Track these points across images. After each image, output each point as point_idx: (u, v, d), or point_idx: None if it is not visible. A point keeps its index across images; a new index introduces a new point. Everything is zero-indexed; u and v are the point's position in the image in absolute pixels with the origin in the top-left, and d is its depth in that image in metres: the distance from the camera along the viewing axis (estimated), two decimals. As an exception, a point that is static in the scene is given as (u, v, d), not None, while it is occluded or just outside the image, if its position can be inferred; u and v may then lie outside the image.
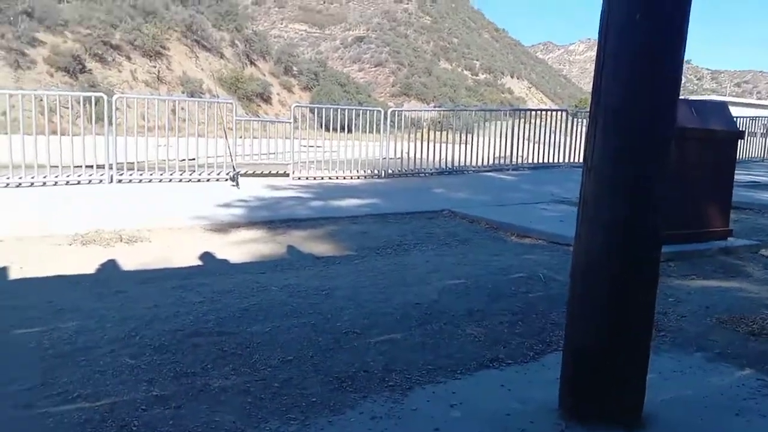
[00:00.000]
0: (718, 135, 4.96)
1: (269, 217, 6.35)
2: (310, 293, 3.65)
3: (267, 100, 44.83)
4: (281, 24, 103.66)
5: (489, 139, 12.35)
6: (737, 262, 4.77)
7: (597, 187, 2.12)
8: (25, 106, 8.93)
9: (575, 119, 13.31)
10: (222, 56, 44.19)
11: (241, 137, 10.65)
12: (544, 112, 13.92)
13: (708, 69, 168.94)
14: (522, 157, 12.52)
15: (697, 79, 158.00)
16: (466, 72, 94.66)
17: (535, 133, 12.89)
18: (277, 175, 10.49)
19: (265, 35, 59.20)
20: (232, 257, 4.83)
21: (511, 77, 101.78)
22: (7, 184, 7.83)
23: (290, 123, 10.54)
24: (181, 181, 9.12)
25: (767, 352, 2.88)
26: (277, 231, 5.82)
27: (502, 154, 12.37)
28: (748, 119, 17.13)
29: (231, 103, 10.79)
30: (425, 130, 12.52)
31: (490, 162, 12.24)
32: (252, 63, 48.20)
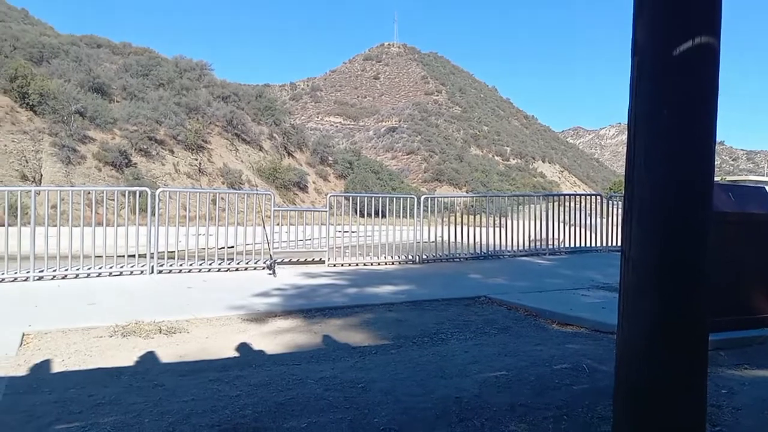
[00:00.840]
0: (759, 218, 4.86)
1: (305, 306, 6.36)
2: (346, 386, 3.58)
3: (303, 188, 46.03)
4: (317, 117, 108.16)
5: (524, 223, 12.33)
6: (794, 351, 4.53)
7: (636, 277, 2.08)
8: (74, 199, 9.37)
9: (610, 202, 13.25)
10: (261, 148, 46.04)
11: (278, 224, 10.88)
12: (578, 196, 13.90)
13: (743, 150, 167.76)
14: (558, 240, 12.41)
15: (732, 160, 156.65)
16: (497, 158, 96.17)
17: (570, 216, 12.83)
18: (312, 262, 10.60)
19: (301, 128, 61.79)
20: (268, 348, 4.81)
21: (543, 162, 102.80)
22: (54, 276, 8.08)
23: (326, 211, 10.76)
24: (219, 270, 9.28)
25: (837, 451, 2.68)
26: (313, 320, 5.80)
27: (538, 238, 12.29)
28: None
29: (270, 194, 11.11)
30: (458, 215, 12.59)
31: (526, 246, 12.16)
32: (289, 154, 50.00)
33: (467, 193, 54.84)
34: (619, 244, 12.49)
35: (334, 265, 10.16)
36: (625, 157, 2.24)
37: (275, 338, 5.12)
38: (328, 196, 11.15)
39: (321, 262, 10.42)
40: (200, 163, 36.46)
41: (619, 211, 13.41)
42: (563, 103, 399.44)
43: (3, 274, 7.82)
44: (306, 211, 12.74)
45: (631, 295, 2.14)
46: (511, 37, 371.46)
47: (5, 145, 27.55)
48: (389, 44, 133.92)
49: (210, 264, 9.32)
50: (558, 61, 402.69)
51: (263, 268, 9.43)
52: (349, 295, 7.17)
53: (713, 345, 4.46)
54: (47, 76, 32.55)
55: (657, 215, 2.07)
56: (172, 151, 35.39)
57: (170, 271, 8.96)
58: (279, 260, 9.87)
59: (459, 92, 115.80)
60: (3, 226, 8.26)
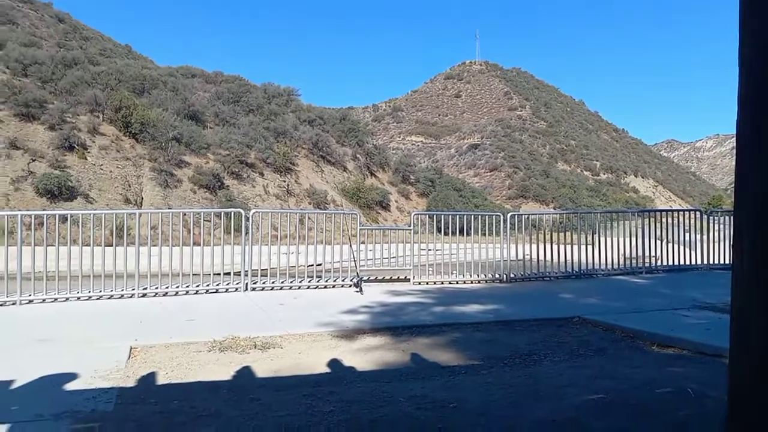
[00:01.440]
0: None
1: (392, 323, 6.39)
2: (437, 406, 3.55)
3: (386, 207, 46.49)
4: (399, 137, 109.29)
5: (617, 240, 11.82)
6: None
7: (748, 303, 1.94)
8: (173, 221, 9.96)
9: (710, 218, 12.47)
10: (345, 169, 47.05)
11: (362, 243, 11.04)
12: (675, 212, 13.19)
13: None
14: (655, 259, 11.79)
15: None
16: (586, 172, 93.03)
17: (667, 233, 12.18)
18: (398, 280, 10.64)
19: (383, 148, 62.63)
20: (358, 365, 4.86)
21: (635, 176, 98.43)
22: (155, 293, 8.59)
23: (410, 229, 10.79)
24: (308, 287, 9.51)
25: None
26: (401, 338, 5.81)
27: (633, 256, 11.74)
28: None
29: (356, 214, 11.31)
30: (547, 232, 12.25)
31: (620, 265, 11.64)
32: (372, 174, 50.75)
33: (555, 209, 53.34)
34: (722, 261, 11.74)
35: (419, 284, 10.15)
36: (733, 171, 2.12)
37: (365, 355, 5.17)
38: (412, 214, 11.20)
39: (406, 280, 10.44)
40: (288, 185, 37.73)
41: (721, 226, 12.59)
42: (655, 115, 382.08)
43: (111, 291, 8.39)
44: (390, 229, 12.85)
45: (740, 319, 2.01)
46: (597, 50, 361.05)
47: (111, 171, 29.73)
48: (471, 62, 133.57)
49: (300, 281, 9.58)
50: (648, 72, 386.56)
51: (350, 286, 9.57)
52: (435, 314, 7.13)
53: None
54: (148, 106, 34.94)
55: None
56: (262, 174, 36.85)
57: (263, 288, 9.29)
58: (365, 278, 9.98)
59: (544, 107, 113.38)
60: (111, 246, 8.89)
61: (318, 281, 9.73)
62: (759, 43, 2.05)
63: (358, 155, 50.51)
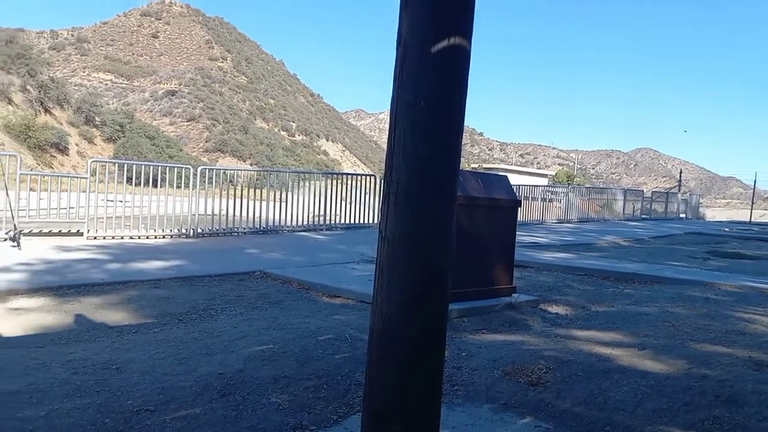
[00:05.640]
0: (501, 203, 5.59)
1: (56, 283, 5.69)
2: (98, 369, 3.30)
3: (63, 150, 41.03)
4: (83, 72, 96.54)
5: (305, 199, 12.54)
6: (521, 317, 5.32)
7: (392, 255, 2.24)
8: None
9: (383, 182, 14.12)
10: (10, 101, 39.77)
11: (32, 191, 9.53)
12: (357, 176, 14.55)
13: (498, 141, 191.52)
14: (337, 217, 12.88)
15: (489, 150, 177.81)
16: (283, 132, 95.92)
17: (349, 194, 13.39)
18: (68, 234, 9.50)
19: (63, 82, 54.59)
20: (4, 330, 4.21)
21: (327, 140, 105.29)
22: None
23: (87, 178, 9.68)
24: (-56, 241, 7.84)
25: (544, 400, 3.21)
26: (65, 298, 5.22)
27: (318, 214, 12.62)
28: (529, 187, 19.62)
29: (15, 155, 9.65)
30: (240, 188, 12.32)
31: (306, 222, 12.39)
32: (47, 110, 44.01)
33: (252, 166, 53.91)
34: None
35: (95, 238, 9.24)
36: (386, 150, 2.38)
37: (15, 318, 4.51)
38: (90, 161, 10.05)
39: (79, 234, 9.39)
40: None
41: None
42: (347, 85, 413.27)
43: None
44: (63, 177, 11.35)
45: (386, 272, 2.30)
46: (297, 12, 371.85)
47: None
48: (171, 2, 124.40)
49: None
50: (341, 42, 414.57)
51: (5, 240, 8.20)
52: (110, 271, 6.59)
53: (459, 313, 5.05)
54: None
55: (410, 198, 2.24)
56: None
57: None
58: (27, 231, 8.65)
59: (245, 61, 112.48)
60: None
61: (-40, 233, 8.09)
62: (414, 30, 2.30)
63: (29, 87, 43.10)
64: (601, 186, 44.51)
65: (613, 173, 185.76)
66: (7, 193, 8.48)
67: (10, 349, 3.70)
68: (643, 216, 25.79)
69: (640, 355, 3.81)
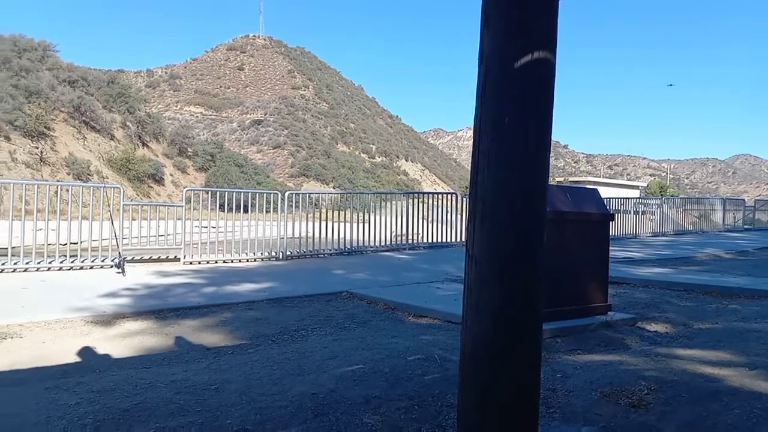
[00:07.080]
0: (592, 217, 5.39)
1: (157, 306, 6.03)
2: (198, 389, 3.45)
3: (159, 181, 43.64)
4: (176, 106, 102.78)
5: (387, 219, 12.66)
6: (617, 336, 5.08)
7: (480, 274, 2.21)
8: None
9: (465, 200, 14.02)
10: (113, 138, 42.90)
11: (133, 219, 10.20)
12: (437, 194, 14.55)
13: (584, 153, 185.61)
14: (419, 236, 12.90)
15: (574, 162, 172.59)
16: (363, 155, 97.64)
17: (431, 213, 13.41)
18: (167, 260, 10.07)
19: (158, 117, 58.36)
20: (114, 352, 4.50)
21: (406, 160, 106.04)
22: None
23: (182, 206, 10.25)
24: (61, 268, 8.50)
25: (646, 422, 3.03)
26: (166, 321, 5.52)
27: (400, 233, 12.69)
28: (620, 199, 18.83)
29: (119, 187, 10.37)
30: (324, 211, 12.63)
31: (389, 242, 12.49)
32: (144, 144, 47.08)
33: (334, 189, 55.14)
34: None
35: (191, 263, 9.73)
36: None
37: (123, 342, 4.80)
38: (185, 189, 10.64)
39: (176, 260, 9.93)
40: (42, 152, 33.12)
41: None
42: (425, 105, 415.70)
43: None
44: (158, 205, 12.06)
45: (474, 291, 2.27)
46: (379, 35, 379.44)
47: None
48: (254, 36, 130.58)
49: (50, 262, 8.51)
50: (417, 60, 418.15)
51: (111, 267, 8.79)
52: (206, 295, 6.90)
53: (552, 333, 4.89)
54: None
55: (497, 215, 2.21)
56: (8, 138, 31.81)
57: (2, 270, 8.06)
58: (129, 258, 9.25)
59: (326, 88, 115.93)
60: None
61: (73, 262, 8.75)
62: (495, 47, 2.29)
63: (128, 123, 46.37)
64: (697, 196, 42.06)
65: (710, 182, 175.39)
66: (112, 223, 9.12)
67: (121, 370, 3.95)
68: (745, 226, 24.06)
69: (751, 375, 3.53)
